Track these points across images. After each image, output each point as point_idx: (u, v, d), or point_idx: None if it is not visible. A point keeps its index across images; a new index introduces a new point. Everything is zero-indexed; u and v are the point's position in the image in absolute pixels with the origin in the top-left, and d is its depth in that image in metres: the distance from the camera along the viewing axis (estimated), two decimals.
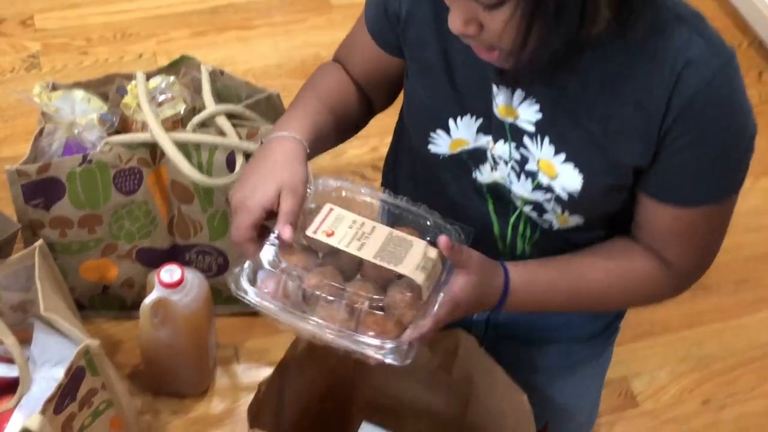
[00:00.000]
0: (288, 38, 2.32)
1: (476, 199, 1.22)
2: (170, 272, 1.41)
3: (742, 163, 1.10)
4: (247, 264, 1.09)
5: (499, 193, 1.19)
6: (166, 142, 1.46)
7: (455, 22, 0.98)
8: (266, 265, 1.07)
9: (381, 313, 1.04)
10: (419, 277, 1.03)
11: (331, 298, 1.03)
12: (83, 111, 1.53)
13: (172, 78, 1.60)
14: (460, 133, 1.16)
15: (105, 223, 1.55)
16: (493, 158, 1.16)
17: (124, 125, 1.58)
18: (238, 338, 1.71)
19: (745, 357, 1.83)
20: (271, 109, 1.61)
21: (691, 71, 1.01)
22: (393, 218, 1.14)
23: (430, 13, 1.15)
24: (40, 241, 1.40)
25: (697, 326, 1.86)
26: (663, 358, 1.80)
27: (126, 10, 2.34)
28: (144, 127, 1.52)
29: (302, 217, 1.10)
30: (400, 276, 1.05)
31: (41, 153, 1.53)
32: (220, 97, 1.62)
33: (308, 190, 1.12)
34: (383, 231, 1.08)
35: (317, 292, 1.04)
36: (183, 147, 1.49)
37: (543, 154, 1.11)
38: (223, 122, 1.52)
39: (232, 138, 1.49)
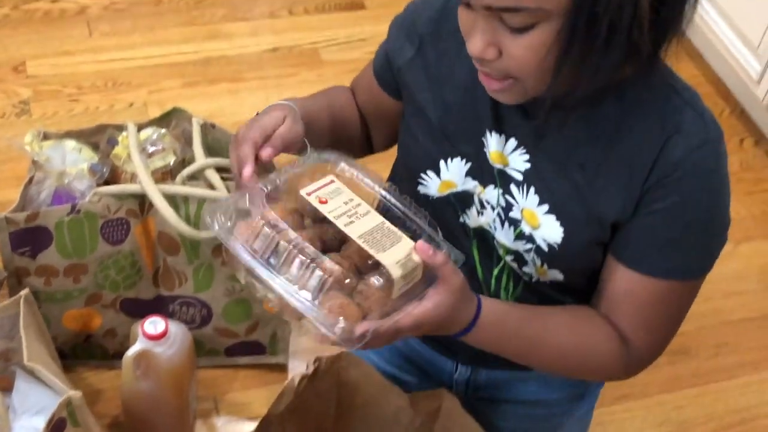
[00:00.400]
0: (279, 92, 2.35)
1: (463, 244, 1.22)
2: (154, 324, 1.41)
3: (713, 243, 1.11)
4: (230, 201, 1.04)
5: (484, 239, 1.20)
6: (155, 193, 1.47)
7: (476, 44, 0.98)
8: (248, 205, 1.02)
9: (347, 298, 0.98)
10: (396, 272, 0.98)
11: (304, 259, 0.97)
12: (74, 161, 1.54)
13: (163, 130, 1.61)
14: (450, 175, 1.18)
15: (90, 272, 1.55)
16: (481, 202, 1.17)
17: (113, 175, 1.59)
18: (219, 390, 1.70)
19: (724, 422, 1.84)
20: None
21: (680, 137, 1.04)
22: (389, 218, 1.09)
23: (426, 58, 1.17)
24: (25, 291, 1.40)
25: (677, 390, 1.88)
26: (642, 422, 1.81)
27: (118, 58, 2.36)
28: (133, 178, 1.52)
29: (299, 179, 1.07)
30: (377, 267, 1.00)
31: (30, 201, 1.54)
32: (210, 150, 1.63)
33: (305, 152, 1.12)
34: (376, 218, 1.04)
35: (293, 251, 0.98)
36: (171, 199, 1.49)
37: (527, 204, 1.12)
38: (212, 175, 1.53)
39: (221, 191, 1.50)
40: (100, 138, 1.62)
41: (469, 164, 1.16)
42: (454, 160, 1.17)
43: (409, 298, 1.01)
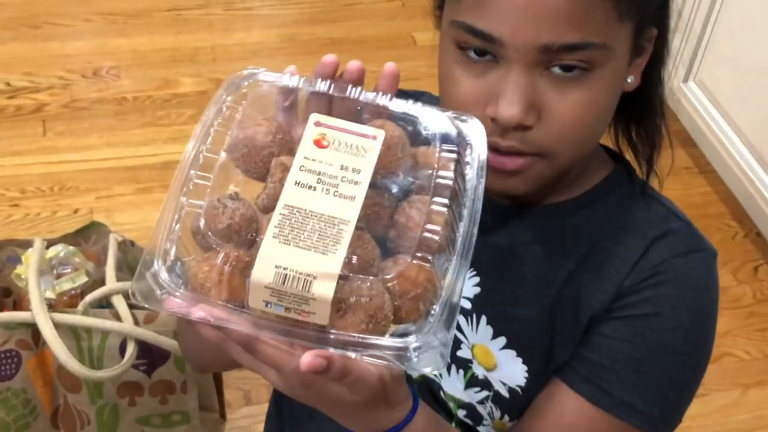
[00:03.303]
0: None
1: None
2: None
3: (684, 388, 0.87)
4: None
5: (430, 391, 0.96)
6: (45, 325, 1.28)
7: (513, 108, 0.76)
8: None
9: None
10: (261, 274, 0.63)
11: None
12: None
13: (72, 248, 1.42)
14: None
15: None
16: None
17: (18, 297, 1.40)
18: None
19: None
20: None
21: (665, 241, 0.86)
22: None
23: None
24: None
25: None
26: None
27: (69, 160, 2.19)
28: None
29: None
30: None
31: None
32: (130, 269, 1.45)
33: None
34: (344, 213, 0.66)
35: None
36: (72, 329, 1.30)
37: (478, 338, 0.90)
38: (119, 303, 1.34)
39: (126, 323, 1.31)
40: (0, 255, 1.43)
41: None
42: None
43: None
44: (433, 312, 0.65)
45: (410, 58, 2.69)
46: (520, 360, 0.89)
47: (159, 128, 2.32)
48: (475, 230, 0.68)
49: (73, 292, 1.40)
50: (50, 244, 1.44)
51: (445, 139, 0.70)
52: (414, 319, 0.66)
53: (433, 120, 0.71)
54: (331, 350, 0.64)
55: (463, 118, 0.71)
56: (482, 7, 0.75)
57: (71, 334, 1.31)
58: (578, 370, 0.86)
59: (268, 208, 0.67)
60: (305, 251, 0.64)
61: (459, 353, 0.92)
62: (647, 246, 0.85)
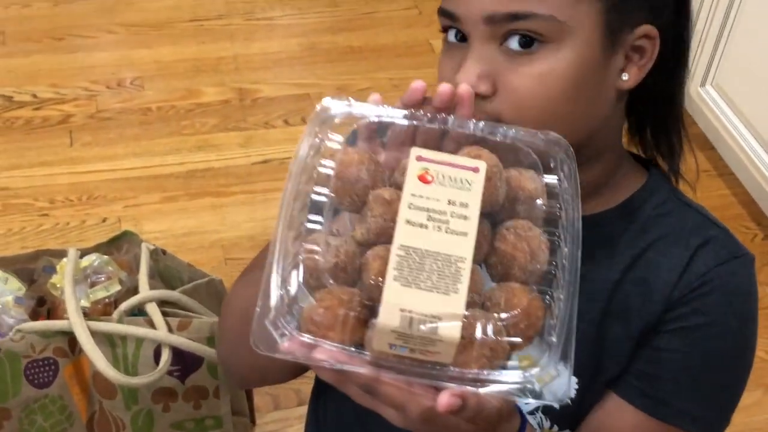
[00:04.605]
0: (265, 207, 2.19)
1: None
2: None
3: (735, 389, 0.91)
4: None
5: None
6: (82, 333, 1.31)
7: (468, 73, 0.79)
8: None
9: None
10: (387, 319, 0.64)
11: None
12: None
13: (106, 257, 1.45)
14: None
15: (14, 418, 1.38)
16: None
17: (53, 306, 1.44)
18: None
19: None
20: (212, 295, 1.46)
21: (708, 249, 0.88)
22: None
23: None
24: None
25: None
26: None
27: (96, 170, 2.22)
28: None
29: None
30: None
31: None
32: (162, 277, 1.49)
33: None
34: (460, 250, 0.67)
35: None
36: (107, 337, 1.33)
37: (530, 350, 0.92)
38: (153, 311, 1.36)
39: (160, 330, 1.34)
40: (36, 265, 1.47)
41: None
42: None
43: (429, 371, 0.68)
44: (552, 342, 0.67)
45: (428, 65, 2.71)
46: (568, 372, 0.91)
47: (184, 137, 2.35)
48: (579, 253, 0.69)
49: (106, 300, 1.43)
50: (84, 253, 1.47)
51: (536, 164, 0.73)
52: (530, 349, 0.67)
53: (522, 140, 0.74)
54: (455, 386, 0.65)
55: (548, 135, 0.74)
56: None
57: (106, 341, 1.34)
58: (635, 384, 0.89)
59: (369, 242, 0.68)
60: (427, 293, 0.64)
61: (509, 365, 0.94)
62: (691, 255, 0.88)
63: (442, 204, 0.67)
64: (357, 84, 2.61)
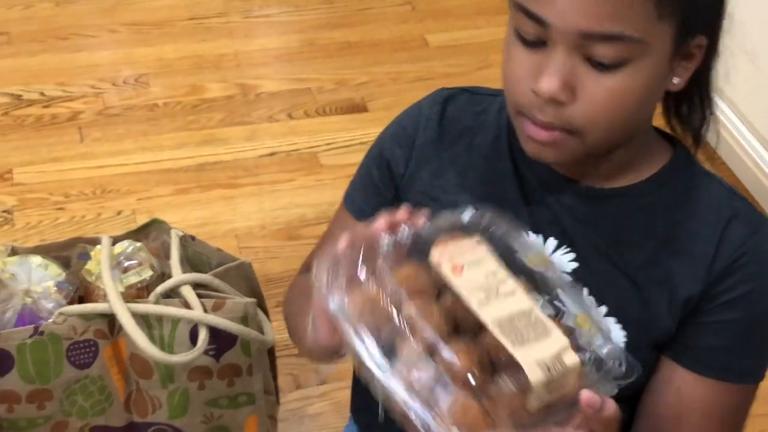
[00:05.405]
0: (274, 198, 2.25)
1: None
2: None
3: None
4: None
5: None
6: (124, 314, 1.36)
7: (551, 83, 0.86)
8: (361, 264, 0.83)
9: (472, 399, 0.77)
10: (535, 375, 0.76)
11: (416, 345, 0.78)
12: (40, 278, 1.44)
13: (138, 243, 1.51)
14: None
15: (56, 398, 1.43)
16: None
17: (87, 293, 1.49)
18: None
19: None
20: (242, 278, 1.51)
21: (739, 222, 0.97)
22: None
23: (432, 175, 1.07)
24: None
25: None
26: None
27: (108, 165, 2.29)
28: (107, 296, 1.42)
29: (436, 236, 0.87)
30: (515, 364, 0.79)
31: None
32: (191, 263, 1.54)
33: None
34: (523, 301, 0.81)
35: (406, 332, 0.79)
36: (144, 318, 1.39)
37: (581, 308, 0.99)
38: (188, 293, 1.42)
39: (196, 310, 1.39)
40: (71, 252, 1.52)
41: None
42: None
43: (552, 416, 0.79)
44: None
45: (424, 59, 2.79)
46: (619, 326, 0.99)
47: (191, 132, 2.41)
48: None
49: (139, 285, 1.48)
50: (115, 241, 1.53)
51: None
52: None
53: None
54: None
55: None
56: None
57: (143, 323, 1.39)
58: (699, 358, 0.99)
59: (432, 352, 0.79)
60: (538, 342, 0.78)
61: (562, 322, 1.02)
62: (724, 226, 0.96)
63: (483, 280, 0.81)
64: (356, 78, 2.68)
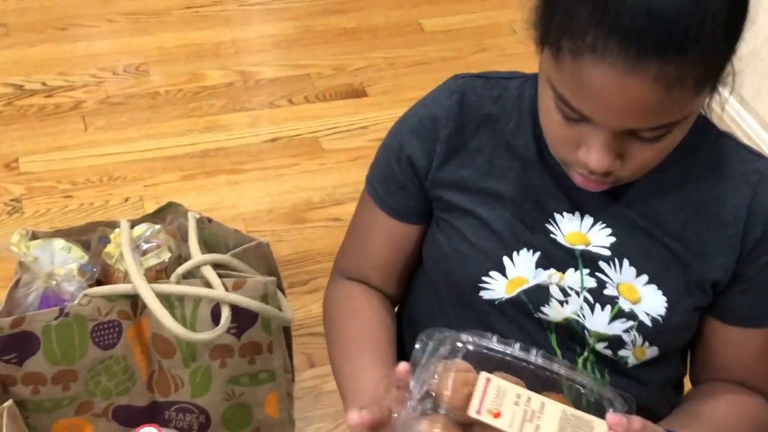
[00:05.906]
0: (279, 182, 2.28)
1: (538, 341, 1.10)
2: None
3: None
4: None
5: (569, 330, 1.09)
6: (148, 294, 1.39)
7: (605, 160, 0.91)
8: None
9: None
10: None
11: None
12: (63, 261, 1.46)
13: (157, 226, 1.53)
14: (519, 271, 1.08)
15: (81, 379, 1.45)
16: (563, 291, 1.07)
17: (106, 275, 1.51)
18: None
19: None
20: (260, 258, 1.54)
21: (765, 183, 1.02)
22: (537, 382, 0.96)
23: (459, 160, 1.10)
24: (8, 403, 1.31)
25: None
26: None
27: (114, 153, 2.30)
28: (126, 277, 1.45)
29: (452, 386, 0.91)
30: None
31: (17, 305, 1.45)
32: (207, 245, 1.56)
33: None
34: (554, 408, 0.89)
35: None
36: (166, 299, 1.42)
37: (624, 278, 1.05)
38: (208, 273, 1.45)
39: (218, 290, 1.42)
40: (91, 236, 1.55)
41: (537, 254, 1.07)
42: (521, 253, 1.07)
43: None
44: None
45: (420, 43, 2.82)
46: (660, 293, 1.04)
47: (193, 119, 2.43)
48: None
49: (158, 267, 1.50)
50: (133, 224, 1.55)
51: None
52: None
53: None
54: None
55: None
56: (580, 93, 0.88)
57: (165, 304, 1.42)
58: (752, 313, 1.06)
59: None
60: None
61: (605, 292, 1.06)
62: (753, 190, 1.02)
63: (519, 409, 0.88)
64: (354, 63, 2.71)
